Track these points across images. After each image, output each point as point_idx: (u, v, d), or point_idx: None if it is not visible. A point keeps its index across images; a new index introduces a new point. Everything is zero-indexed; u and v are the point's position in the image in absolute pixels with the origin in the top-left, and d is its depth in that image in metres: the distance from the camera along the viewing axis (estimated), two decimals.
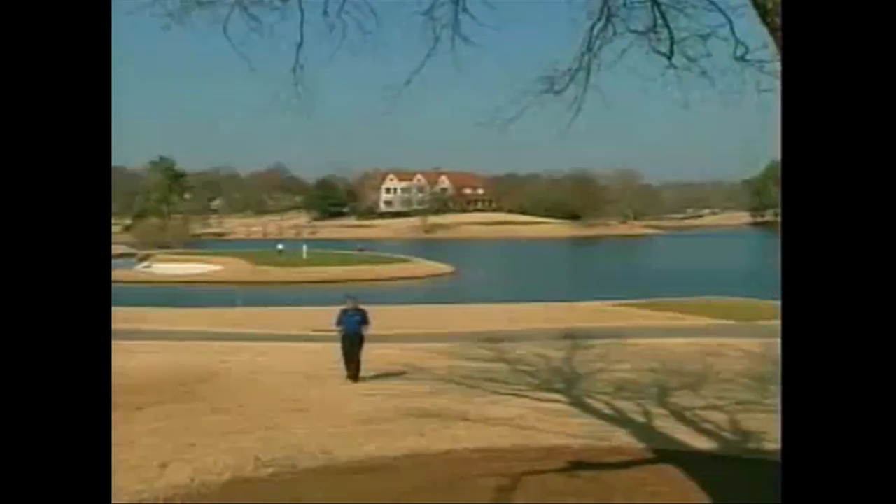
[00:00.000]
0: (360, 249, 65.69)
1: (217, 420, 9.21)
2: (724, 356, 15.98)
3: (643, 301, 33.11)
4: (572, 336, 19.16)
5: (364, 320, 13.36)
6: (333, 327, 13.48)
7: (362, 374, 13.00)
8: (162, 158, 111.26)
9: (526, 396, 11.14)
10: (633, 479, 6.61)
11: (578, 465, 6.99)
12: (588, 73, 6.27)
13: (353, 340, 13.16)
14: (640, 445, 7.98)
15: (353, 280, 46.53)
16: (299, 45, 6.35)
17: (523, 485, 6.44)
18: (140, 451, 7.35)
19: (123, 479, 5.67)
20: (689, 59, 6.20)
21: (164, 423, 8.93)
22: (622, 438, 8.27)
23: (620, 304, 32.76)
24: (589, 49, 6.16)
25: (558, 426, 8.77)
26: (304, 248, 66.79)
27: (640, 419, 9.31)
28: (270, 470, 6.99)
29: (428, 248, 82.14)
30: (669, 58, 6.20)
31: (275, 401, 10.73)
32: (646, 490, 6.27)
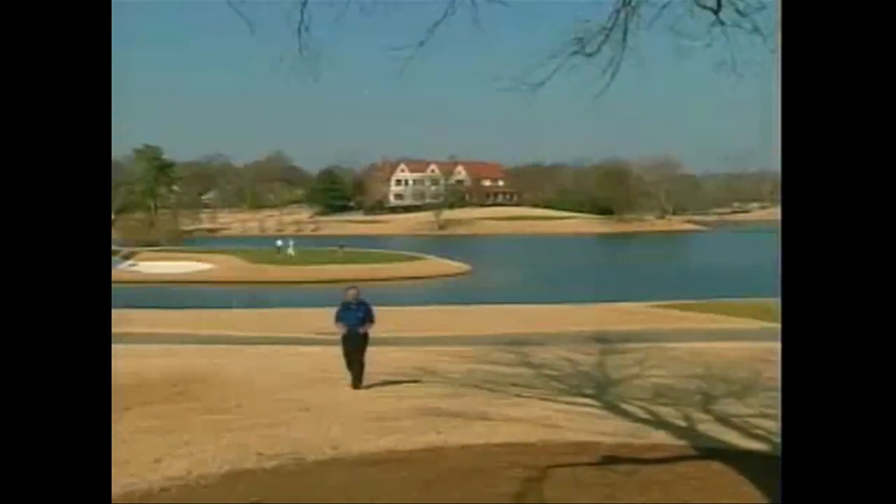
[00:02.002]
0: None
1: (213, 419, 9.35)
2: (775, 363, 15.84)
3: (684, 302, 33.02)
4: (604, 339, 19.18)
5: (368, 316, 12.57)
6: (334, 326, 12.66)
7: (369, 377, 12.53)
8: (147, 146, 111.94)
9: (552, 400, 11.15)
10: (674, 473, 6.61)
11: (612, 459, 7.01)
12: (625, 33, 6.26)
13: (355, 340, 12.40)
14: (682, 443, 7.97)
15: (360, 279, 46.71)
16: (304, 2, 6.39)
17: (552, 476, 6.48)
18: (131, 448, 7.50)
19: (114, 473, 5.80)
20: (740, 13, 6.14)
21: (155, 422, 9.07)
22: (661, 438, 8.26)
23: (658, 306, 32.68)
24: (626, 3, 6.15)
25: (588, 425, 8.80)
26: (291, 244, 67.17)
27: (681, 423, 9.29)
28: (274, 463, 7.09)
29: (442, 245, 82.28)
30: (717, 12, 6.16)
31: (275, 401, 10.84)
32: (689, 484, 6.27)
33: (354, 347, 12.42)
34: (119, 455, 6.71)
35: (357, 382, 12.27)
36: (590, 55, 6.46)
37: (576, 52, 6.41)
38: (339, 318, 12.60)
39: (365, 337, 12.56)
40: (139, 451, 7.48)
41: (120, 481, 6.34)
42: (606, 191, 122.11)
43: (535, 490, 6.11)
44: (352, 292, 12.78)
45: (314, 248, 71.19)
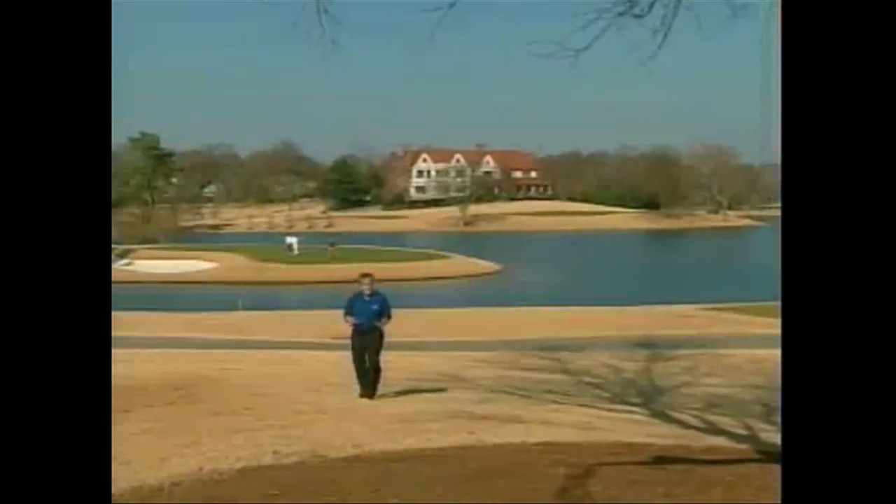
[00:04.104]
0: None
1: (221, 420, 9.50)
2: None
3: (742, 305, 32.75)
4: (651, 345, 19.09)
5: (384, 310, 11.96)
6: (343, 321, 12.10)
7: (388, 383, 12.10)
8: (144, 135, 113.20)
9: (593, 407, 11.15)
10: (735, 474, 6.63)
11: (666, 459, 7.04)
12: None
13: (369, 337, 11.79)
14: (741, 447, 7.94)
15: (379, 280, 46.88)
16: None
17: (599, 474, 6.51)
18: (135, 448, 7.65)
19: (117, 472, 5.96)
20: None
21: (158, 424, 9.23)
22: (717, 442, 8.24)
23: (713, 308, 32.51)
24: None
25: (635, 430, 8.80)
26: (294, 241, 67.43)
27: (739, 431, 9.25)
28: (293, 459, 7.22)
29: (469, 242, 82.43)
30: None
31: (287, 405, 10.93)
32: (753, 485, 6.27)
33: (368, 345, 11.83)
34: (121, 455, 6.86)
35: (369, 391, 11.72)
36: (639, 16, 6.41)
37: (623, 13, 6.36)
38: (350, 311, 12.05)
39: (380, 334, 11.99)
40: (143, 451, 7.64)
41: (126, 477, 6.51)
42: (653, 182, 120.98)
43: (581, 488, 6.15)
44: (367, 283, 12.28)
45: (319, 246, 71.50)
